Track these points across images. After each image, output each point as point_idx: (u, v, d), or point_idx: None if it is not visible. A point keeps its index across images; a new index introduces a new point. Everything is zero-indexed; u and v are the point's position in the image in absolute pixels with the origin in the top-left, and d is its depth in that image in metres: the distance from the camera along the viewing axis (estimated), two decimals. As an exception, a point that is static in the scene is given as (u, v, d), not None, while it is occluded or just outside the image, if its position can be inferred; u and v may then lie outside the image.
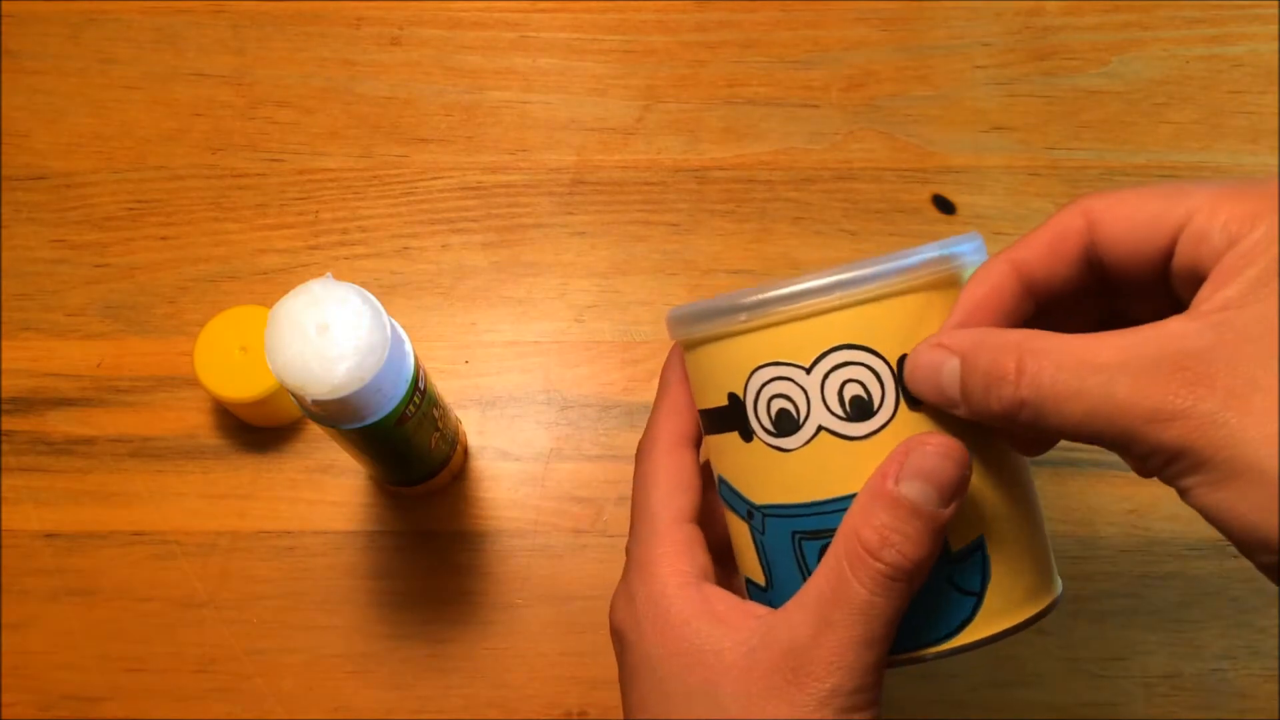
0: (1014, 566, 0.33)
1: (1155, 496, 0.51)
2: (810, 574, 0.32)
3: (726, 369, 0.33)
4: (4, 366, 0.52)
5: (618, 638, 0.35)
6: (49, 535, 0.50)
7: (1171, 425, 0.27)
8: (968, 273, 0.32)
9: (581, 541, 0.50)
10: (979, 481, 0.32)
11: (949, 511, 0.31)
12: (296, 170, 0.55)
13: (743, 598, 0.34)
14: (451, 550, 0.50)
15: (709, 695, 0.32)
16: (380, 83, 0.57)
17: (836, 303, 0.31)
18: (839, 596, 0.31)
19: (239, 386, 0.48)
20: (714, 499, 0.37)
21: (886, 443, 0.31)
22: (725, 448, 0.34)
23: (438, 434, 0.45)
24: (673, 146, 0.56)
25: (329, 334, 0.36)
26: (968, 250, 0.32)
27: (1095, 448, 0.32)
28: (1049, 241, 0.32)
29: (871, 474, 0.31)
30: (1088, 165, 0.55)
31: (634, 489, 0.37)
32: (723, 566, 0.37)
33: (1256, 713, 0.48)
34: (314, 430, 0.51)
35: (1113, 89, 0.57)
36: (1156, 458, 0.28)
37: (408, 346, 0.39)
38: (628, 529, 0.37)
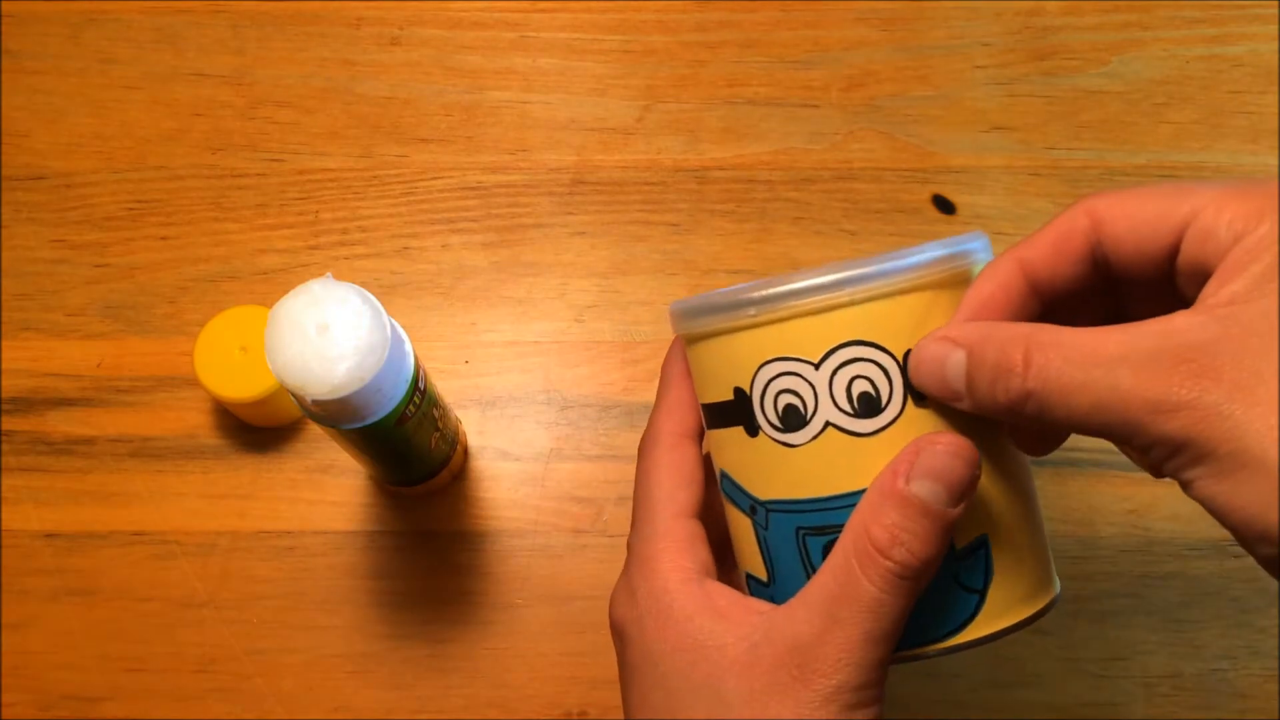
0: (1016, 565, 0.33)
1: (1155, 496, 0.51)
2: (814, 570, 0.32)
3: (732, 363, 0.33)
4: (4, 366, 0.52)
5: (618, 634, 0.35)
6: (49, 535, 0.50)
7: (1175, 416, 0.27)
8: (975, 270, 0.32)
9: (581, 541, 0.50)
10: (983, 480, 0.32)
11: (958, 510, 0.31)
12: (296, 170, 0.55)
13: (743, 593, 0.34)
14: (451, 550, 0.50)
15: (712, 691, 0.32)
16: (380, 83, 0.57)
17: (847, 299, 0.31)
18: (847, 594, 0.31)
19: (239, 386, 0.48)
20: (715, 494, 0.36)
21: (894, 440, 0.31)
22: (729, 442, 0.34)
23: (438, 434, 0.45)
24: (673, 146, 0.56)
25: (329, 334, 0.36)
26: (976, 248, 0.32)
27: (1096, 447, 0.33)
28: (1054, 240, 0.32)
29: (880, 472, 0.31)
30: (1088, 165, 0.55)
31: (636, 484, 0.37)
32: (723, 562, 0.37)
33: (1256, 713, 0.48)
34: (314, 430, 0.51)
35: (1113, 89, 0.57)
36: (1160, 449, 0.28)
37: (408, 346, 0.39)
38: (628, 529, 0.37)
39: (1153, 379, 0.27)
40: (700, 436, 0.37)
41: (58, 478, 0.51)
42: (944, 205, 0.55)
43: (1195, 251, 0.29)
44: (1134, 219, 0.31)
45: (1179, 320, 0.28)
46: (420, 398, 0.41)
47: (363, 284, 0.37)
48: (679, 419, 0.36)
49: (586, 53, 0.58)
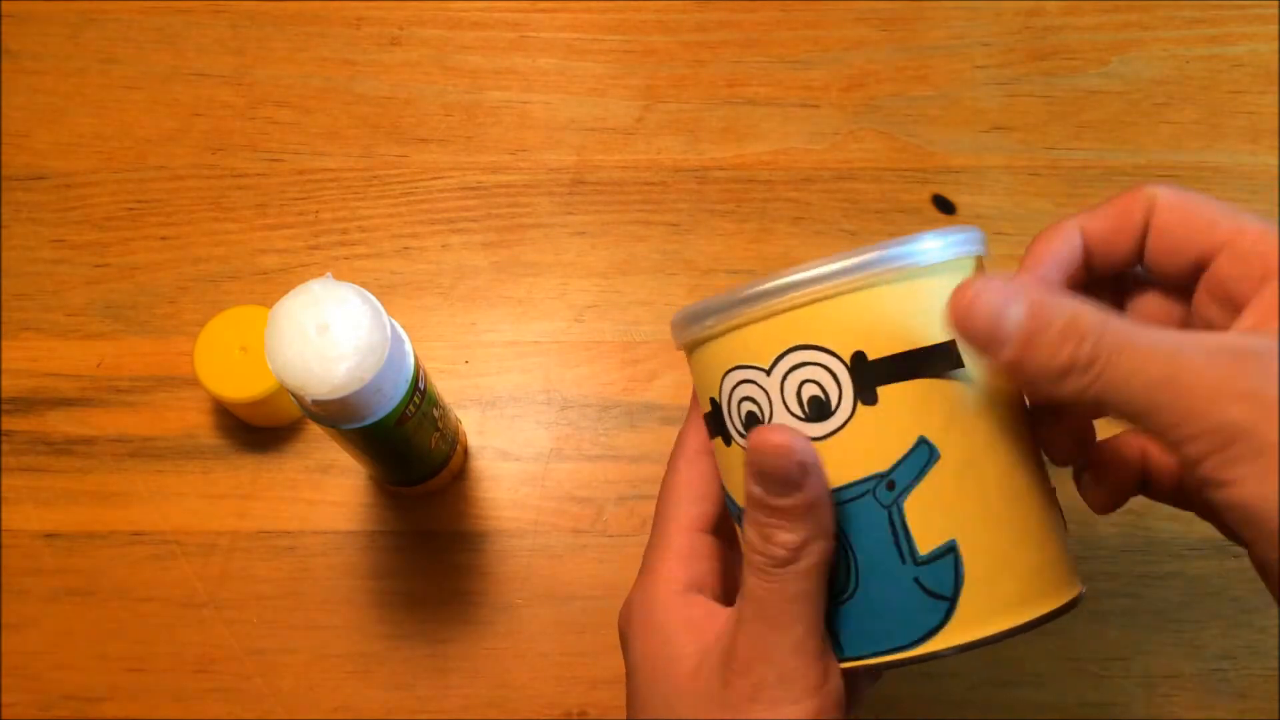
0: (995, 572, 0.32)
1: (1155, 496, 0.51)
2: None
3: (707, 374, 0.34)
4: (4, 366, 0.52)
5: (620, 638, 0.37)
6: (49, 535, 0.50)
7: (1239, 404, 0.27)
8: (919, 265, 0.31)
9: (581, 541, 0.50)
10: (953, 483, 0.31)
11: (804, 495, 0.31)
12: (296, 170, 0.55)
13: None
14: (451, 550, 0.50)
15: (666, 700, 0.34)
16: (380, 83, 0.57)
17: (789, 303, 0.31)
18: (744, 595, 0.32)
19: (239, 386, 0.48)
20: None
21: (845, 442, 0.31)
22: (717, 452, 0.35)
23: (438, 434, 0.45)
24: (673, 146, 0.56)
25: (329, 334, 0.36)
26: (922, 247, 0.32)
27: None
28: (1117, 214, 0.33)
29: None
30: (1088, 165, 0.55)
31: (658, 494, 0.38)
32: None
33: (1256, 713, 0.48)
34: (314, 430, 0.51)
35: (1113, 89, 0.57)
36: (1208, 440, 0.27)
37: (408, 346, 0.39)
38: (628, 529, 0.38)
39: (1222, 363, 0.27)
40: None
41: (58, 478, 0.51)
42: (944, 205, 0.55)
43: (1226, 270, 0.31)
44: (1187, 216, 0.32)
45: (1229, 334, 0.29)
46: (420, 398, 0.41)
47: (363, 284, 0.38)
48: (701, 433, 0.37)
49: (586, 53, 0.58)
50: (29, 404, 0.52)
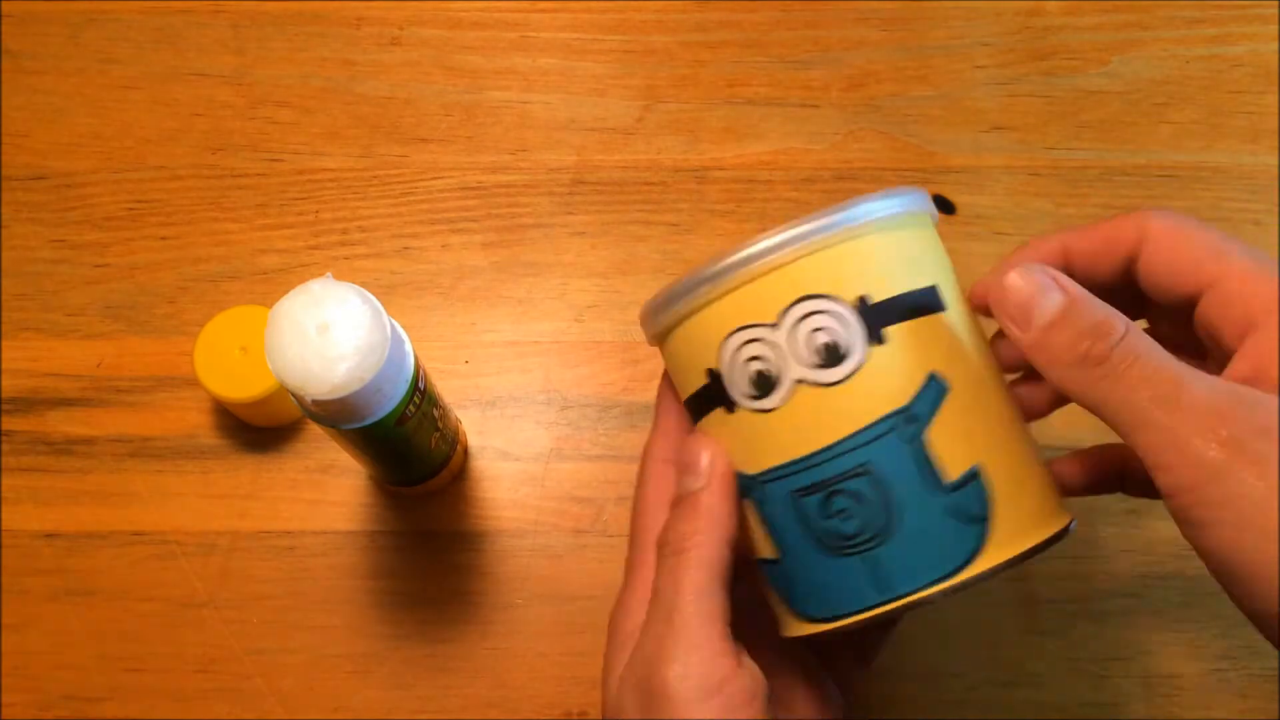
0: (1019, 490, 0.33)
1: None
2: (814, 532, 0.33)
3: (701, 346, 0.34)
4: (4, 366, 0.52)
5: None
6: (49, 535, 0.50)
7: (1221, 446, 0.28)
8: (907, 214, 0.34)
9: (581, 541, 0.50)
10: (965, 412, 0.32)
11: (701, 486, 0.34)
12: (296, 170, 0.55)
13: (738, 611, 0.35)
14: (451, 550, 0.50)
15: (619, 707, 0.34)
16: (380, 83, 0.57)
17: (791, 255, 0.32)
18: (653, 596, 0.34)
19: (239, 386, 0.48)
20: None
21: (863, 382, 0.32)
22: (714, 427, 0.34)
23: (438, 434, 0.45)
24: (673, 146, 0.56)
25: (329, 334, 0.36)
26: (907, 197, 0.34)
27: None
28: (1103, 239, 0.34)
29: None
30: (1088, 165, 0.55)
31: (632, 507, 0.39)
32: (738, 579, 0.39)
33: (1256, 713, 0.48)
34: (314, 430, 0.51)
35: (1113, 89, 0.57)
36: (1186, 473, 0.28)
37: (408, 346, 0.40)
38: (628, 529, 0.38)
39: (1220, 400, 0.29)
40: None
41: (58, 478, 0.51)
42: (944, 205, 0.55)
43: (1211, 313, 0.32)
44: (1175, 255, 0.33)
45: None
46: (420, 398, 0.41)
47: (363, 284, 0.37)
48: (665, 442, 0.38)
49: (586, 53, 0.58)
50: (29, 404, 0.52)
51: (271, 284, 0.54)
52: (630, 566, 0.37)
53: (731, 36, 0.58)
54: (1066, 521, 0.34)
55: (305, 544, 0.50)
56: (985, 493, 0.32)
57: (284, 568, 0.50)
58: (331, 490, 0.51)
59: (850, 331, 0.32)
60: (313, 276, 0.37)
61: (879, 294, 0.32)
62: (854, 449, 0.32)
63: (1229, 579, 0.29)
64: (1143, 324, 0.36)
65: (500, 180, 0.55)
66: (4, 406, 0.52)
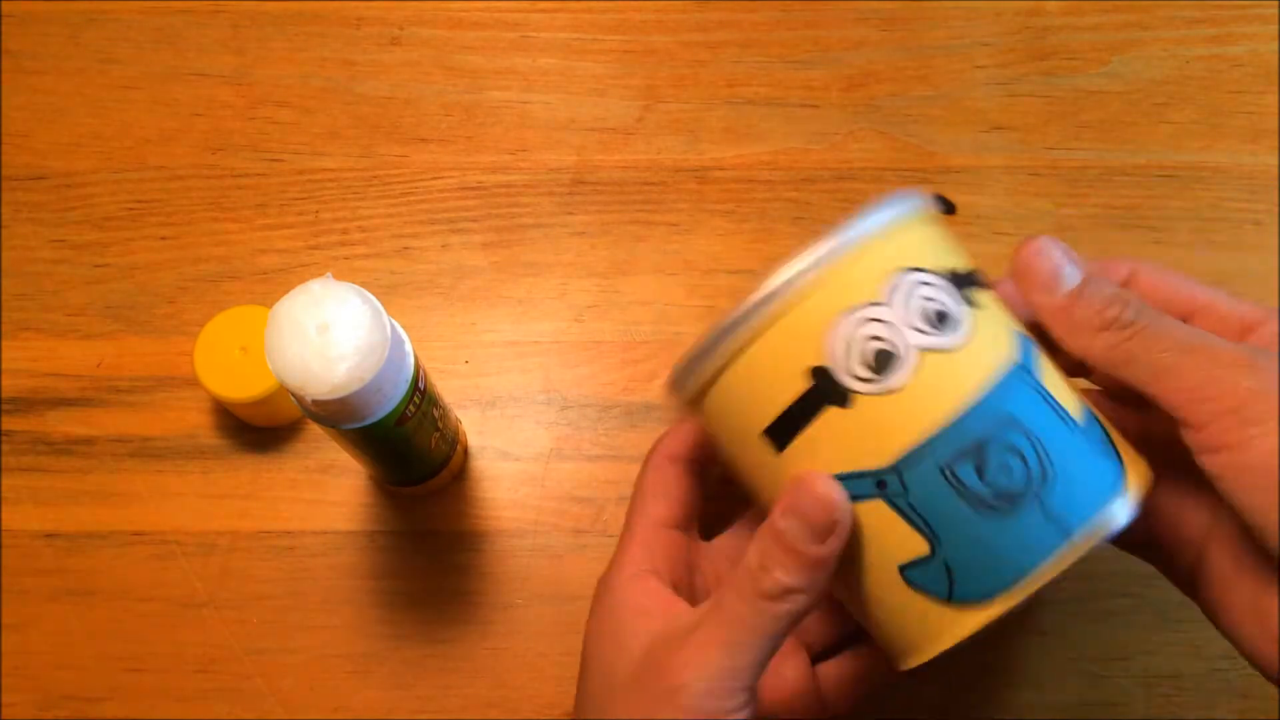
0: (1113, 426, 0.35)
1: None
2: (976, 501, 0.32)
3: (797, 346, 0.33)
4: (4, 366, 0.52)
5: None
6: (49, 535, 0.50)
7: (1254, 375, 0.31)
8: (941, 210, 0.37)
9: (581, 541, 0.50)
10: (1050, 363, 0.35)
11: (824, 550, 0.32)
12: (296, 170, 0.55)
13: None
14: (451, 550, 0.50)
15: (608, 677, 0.35)
16: (380, 83, 0.57)
17: (886, 235, 0.33)
18: (716, 604, 0.33)
19: (239, 386, 0.48)
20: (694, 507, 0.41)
21: (977, 344, 0.33)
22: (822, 436, 0.33)
23: (438, 434, 0.45)
24: (673, 146, 0.56)
25: (329, 334, 0.36)
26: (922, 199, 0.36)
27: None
28: (1099, 269, 0.36)
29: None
30: (1088, 165, 0.55)
31: (632, 493, 0.41)
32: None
33: (1256, 713, 0.48)
34: (314, 430, 0.51)
35: (1113, 89, 0.57)
36: (1225, 400, 0.31)
37: (408, 346, 0.40)
38: (622, 530, 0.39)
39: (1243, 351, 0.32)
40: (692, 459, 0.41)
41: (58, 478, 0.51)
42: (944, 205, 0.55)
43: (1207, 328, 0.34)
44: (1165, 282, 0.36)
45: None
46: (420, 398, 0.41)
47: (363, 284, 0.38)
48: (679, 441, 0.41)
49: (586, 53, 0.58)
50: (29, 404, 0.52)
51: (271, 284, 0.54)
52: (622, 540, 0.39)
53: (731, 36, 0.58)
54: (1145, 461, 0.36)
55: (305, 544, 0.50)
56: (1103, 428, 0.34)
57: (284, 568, 0.50)
58: (331, 490, 0.51)
59: (953, 298, 0.33)
60: (313, 276, 0.37)
61: (954, 267, 0.34)
62: (993, 404, 0.32)
63: (1259, 496, 0.30)
64: None
65: (500, 180, 0.55)
66: (4, 406, 0.52)
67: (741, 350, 0.33)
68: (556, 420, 0.52)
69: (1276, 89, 0.57)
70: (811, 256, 0.32)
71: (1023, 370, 0.33)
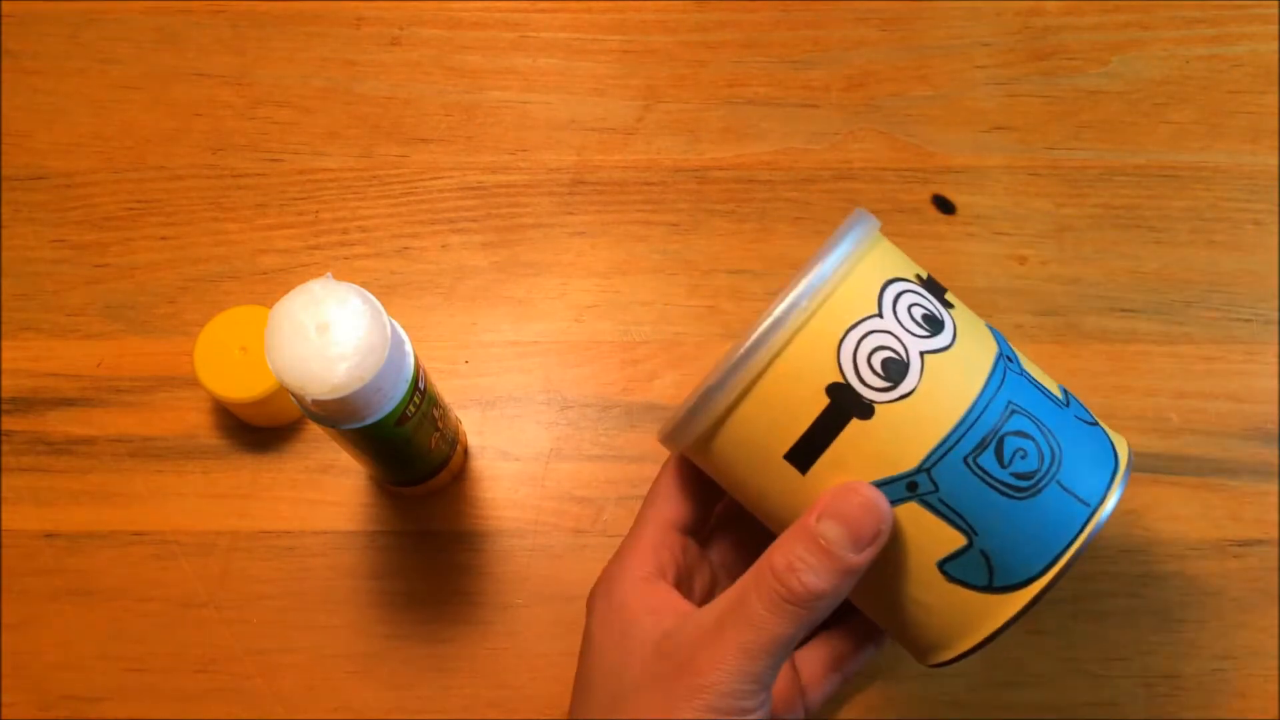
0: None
1: (1155, 496, 0.51)
2: (1005, 484, 0.33)
3: (813, 364, 0.33)
4: (4, 366, 0.52)
5: (586, 609, 0.39)
6: (49, 535, 0.50)
7: None
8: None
9: (581, 541, 0.50)
10: (1023, 354, 0.37)
11: (861, 558, 0.33)
12: (296, 170, 0.55)
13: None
14: (451, 550, 0.50)
15: (617, 675, 0.36)
16: (380, 83, 0.57)
17: (865, 249, 0.34)
18: (736, 605, 0.33)
19: (239, 386, 0.48)
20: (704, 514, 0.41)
21: (964, 341, 0.34)
22: (848, 449, 0.33)
23: (438, 434, 0.45)
24: (673, 146, 0.56)
25: (329, 334, 0.36)
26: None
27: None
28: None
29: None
30: (1088, 165, 0.55)
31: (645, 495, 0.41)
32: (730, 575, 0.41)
33: (1256, 713, 0.48)
34: (314, 430, 0.51)
35: (1113, 89, 0.57)
36: None
37: (408, 346, 0.40)
38: (628, 529, 0.40)
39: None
40: (694, 478, 0.40)
41: (58, 478, 0.51)
42: (944, 205, 0.55)
43: None
44: None
45: None
46: (420, 398, 0.41)
47: (363, 284, 0.38)
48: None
49: (586, 53, 0.58)
50: (29, 404, 0.52)
51: (271, 284, 0.54)
52: (629, 540, 0.39)
53: (731, 36, 0.58)
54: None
55: (305, 544, 0.50)
56: (1080, 402, 0.36)
57: (284, 568, 0.50)
58: (331, 490, 0.51)
59: (932, 302, 0.35)
60: (313, 276, 0.37)
61: (922, 274, 0.36)
62: (994, 395, 0.33)
63: None
64: None
65: (500, 180, 0.55)
66: (4, 406, 0.52)
67: (756, 379, 0.34)
68: (556, 420, 0.52)
69: (1276, 89, 0.57)
70: (807, 281, 0.33)
71: (1006, 359, 0.35)
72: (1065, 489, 0.34)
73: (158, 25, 0.58)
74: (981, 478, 0.33)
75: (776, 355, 0.33)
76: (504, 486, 0.51)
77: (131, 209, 0.55)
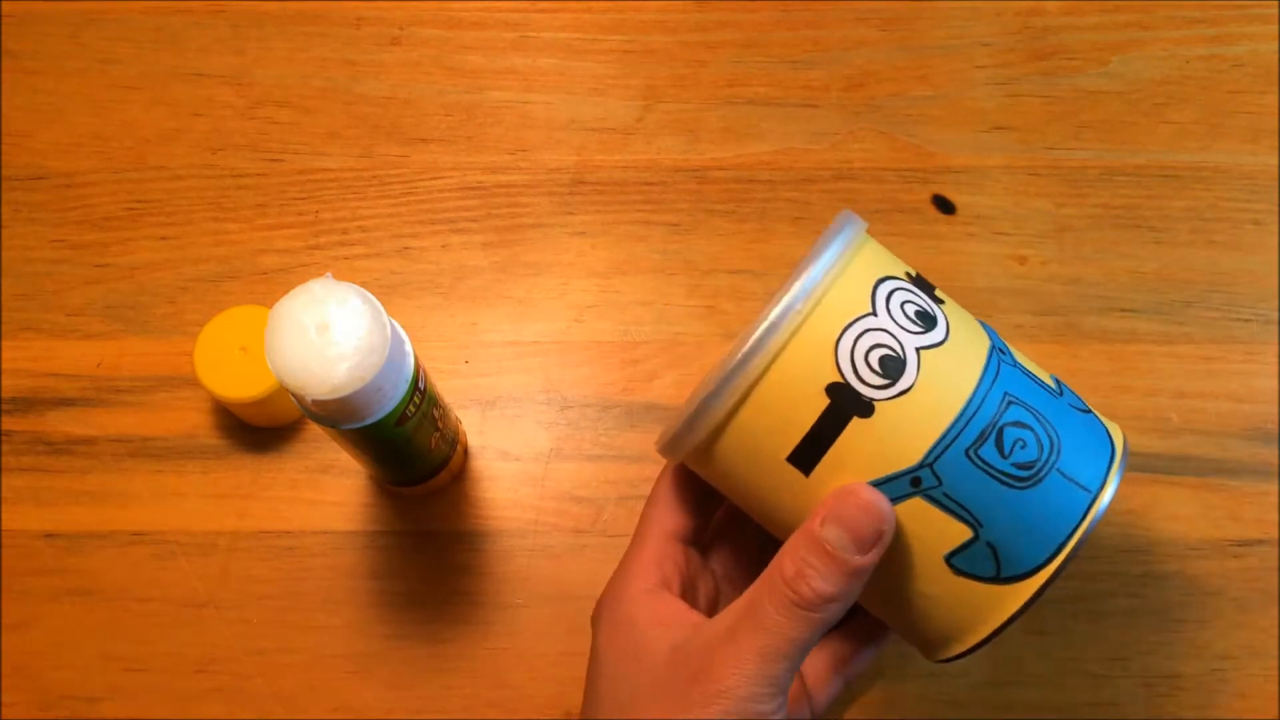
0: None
1: (1155, 496, 0.51)
2: (1007, 474, 0.33)
3: (811, 364, 0.33)
4: (4, 366, 0.52)
5: (592, 626, 0.40)
6: (49, 535, 0.50)
7: None
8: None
9: (581, 541, 0.50)
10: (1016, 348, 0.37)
11: (865, 559, 0.33)
12: (296, 170, 0.55)
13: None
14: (451, 550, 0.50)
15: (629, 689, 0.36)
16: (380, 83, 0.57)
17: (856, 248, 0.35)
18: (749, 612, 0.33)
19: (239, 386, 0.48)
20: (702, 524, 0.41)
21: (957, 336, 0.35)
22: (850, 447, 0.33)
23: (438, 434, 0.45)
24: (673, 146, 0.56)
25: (329, 334, 0.36)
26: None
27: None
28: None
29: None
30: (1088, 165, 0.55)
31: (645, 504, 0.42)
32: (733, 585, 0.42)
33: (1256, 713, 0.48)
34: (314, 430, 0.51)
35: (1113, 89, 0.57)
36: None
37: (408, 346, 0.40)
38: (628, 529, 0.40)
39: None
40: (694, 487, 0.40)
41: (58, 478, 0.51)
42: (944, 205, 0.55)
43: None
44: None
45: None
46: (420, 398, 0.41)
47: (363, 284, 0.38)
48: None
49: (586, 53, 0.58)
50: (29, 404, 0.52)
51: (271, 284, 0.54)
52: (632, 551, 0.39)
53: (731, 36, 0.58)
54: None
55: (305, 544, 0.50)
56: (1072, 390, 0.37)
57: (284, 568, 0.50)
58: (331, 490, 0.51)
59: (924, 298, 0.35)
60: (313, 276, 0.37)
61: (910, 271, 0.36)
62: (991, 387, 0.34)
63: None
64: None
65: (500, 180, 0.55)
66: (4, 406, 0.52)
67: (755, 383, 0.34)
68: (556, 420, 0.52)
69: (1276, 89, 0.57)
70: (801, 283, 0.33)
71: (1000, 352, 0.35)
72: (1066, 476, 0.34)
73: (158, 25, 0.58)
74: (984, 469, 0.33)
75: (775, 358, 0.33)
76: (504, 486, 0.51)
77: (131, 209, 0.55)
